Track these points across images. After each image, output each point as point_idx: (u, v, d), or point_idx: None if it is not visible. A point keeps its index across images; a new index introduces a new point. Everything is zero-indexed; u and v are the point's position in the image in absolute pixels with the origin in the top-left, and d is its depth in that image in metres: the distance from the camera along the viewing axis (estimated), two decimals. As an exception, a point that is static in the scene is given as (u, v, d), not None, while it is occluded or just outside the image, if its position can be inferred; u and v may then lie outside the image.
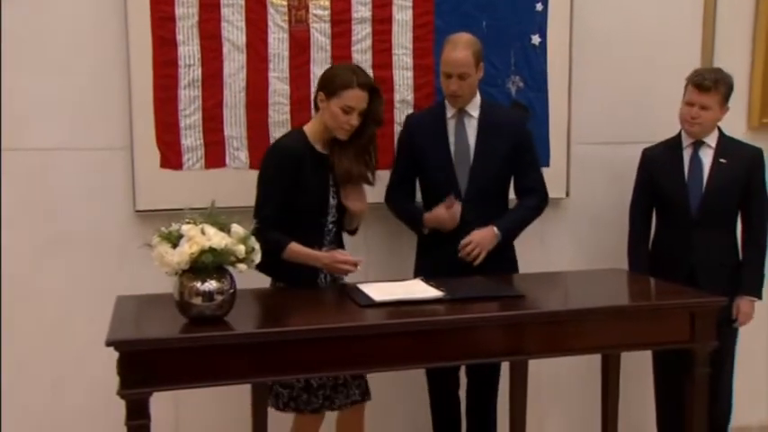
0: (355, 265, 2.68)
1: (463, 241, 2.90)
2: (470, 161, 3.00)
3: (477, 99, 3.05)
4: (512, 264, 3.10)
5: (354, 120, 2.70)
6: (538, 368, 3.22)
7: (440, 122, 3.04)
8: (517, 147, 3.04)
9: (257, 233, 2.33)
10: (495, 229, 2.95)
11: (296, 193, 2.70)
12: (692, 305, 2.59)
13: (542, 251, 3.22)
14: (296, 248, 2.66)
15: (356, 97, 2.68)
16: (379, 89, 2.78)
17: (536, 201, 3.10)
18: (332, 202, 2.80)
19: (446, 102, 3.05)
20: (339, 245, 2.83)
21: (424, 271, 2.99)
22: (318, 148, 2.78)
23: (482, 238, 2.91)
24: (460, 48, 2.92)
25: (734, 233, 3.19)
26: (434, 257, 3.02)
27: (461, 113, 3.03)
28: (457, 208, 2.91)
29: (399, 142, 3.15)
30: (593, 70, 3.47)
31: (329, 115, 2.72)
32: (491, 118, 3.03)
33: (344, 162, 2.75)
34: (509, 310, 2.49)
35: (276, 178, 2.70)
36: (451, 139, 3.03)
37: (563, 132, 3.42)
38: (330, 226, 2.80)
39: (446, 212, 2.91)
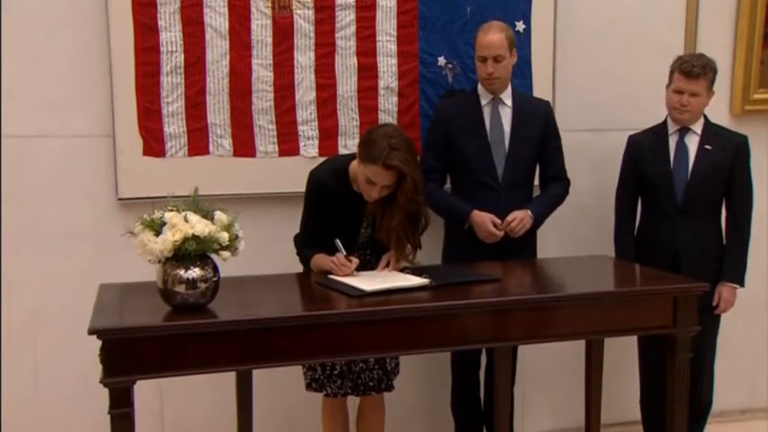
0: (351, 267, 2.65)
1: (508, 218, 2.98)
2: (506, 148, 3.06)
3: (509, 88, 3.09)
4: (534, 250, 3.19)
5: (375, 192, 2.63)
6: (521, 353, 3.23)
7: (475, 110, 3.07)
8: (546, 134, 3.12)
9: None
10: (530, 212, 3.03)
11: (326, 219, 2.74)
12: (675, 291, 2.61)
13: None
14: (316, 261, 2.74)
15: (378, 174, 2.58)
16: (406, 174, 2.58)
17: (563, 188, 3.20)
18: (363, 231, 2.80)
19: (479, 90, 3.09)
20: (374, 251, 2.82)
21: (453, 254, 3.09)
22: (355, 187, 2.74)
23: (524, 215, 3.01)
24: (494, 31, 2.98)
25: (718, 221, 3.20)
26: (467, 242, 3.04)
27: (496, 101, 3.07)
28: (500, 233, 2.98)
29: (432, 130, 3.15)
30: (577, 57, 3.47)
31: (358, 174, 2.67)
32: (523, 106, 3.10)
33: (384, 226, 2.71)
34: (495, 296, 2.50)
35: (306, 202, 2.79)
36: (488, 126, 3.06)
37: (548, 119, 3.43)
38: (363, 238, 2.81)
39: (494, 230, 2.97)
